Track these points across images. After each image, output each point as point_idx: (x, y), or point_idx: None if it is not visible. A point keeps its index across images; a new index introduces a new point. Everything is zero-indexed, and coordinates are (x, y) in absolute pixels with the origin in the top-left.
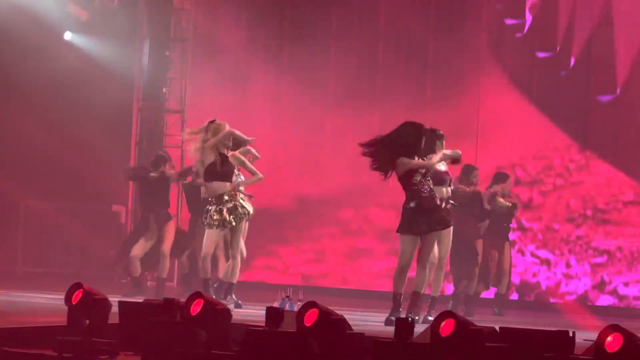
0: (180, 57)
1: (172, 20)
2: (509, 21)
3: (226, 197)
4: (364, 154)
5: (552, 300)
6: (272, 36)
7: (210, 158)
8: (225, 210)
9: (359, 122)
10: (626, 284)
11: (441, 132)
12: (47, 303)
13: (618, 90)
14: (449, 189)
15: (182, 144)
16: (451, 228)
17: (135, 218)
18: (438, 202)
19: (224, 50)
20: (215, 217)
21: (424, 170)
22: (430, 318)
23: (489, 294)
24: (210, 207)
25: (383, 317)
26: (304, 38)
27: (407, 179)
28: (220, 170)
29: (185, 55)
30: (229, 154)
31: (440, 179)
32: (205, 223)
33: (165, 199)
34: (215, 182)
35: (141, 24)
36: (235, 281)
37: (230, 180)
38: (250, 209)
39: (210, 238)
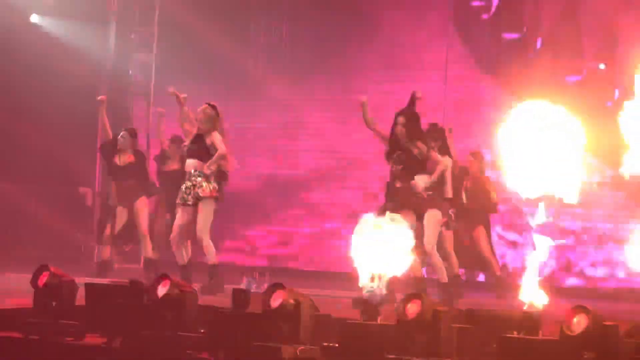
0: (147, 40)
1: (138, 3)
2: (475, 2)
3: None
4: None
5: (519, 281)
6: (238, 17)
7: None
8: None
9: (325, 101)
10: (593, 265)
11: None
12: (13, 285)
13: (584, 71)
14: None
15: (147, 128)
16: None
17: (103, 199)
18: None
19: (190, 33)
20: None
21: None
22: None
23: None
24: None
25: (350, 298)
26: (271, 17)
27: None
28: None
29: (151, 38)
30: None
31: None
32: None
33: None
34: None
35: (108, 7)
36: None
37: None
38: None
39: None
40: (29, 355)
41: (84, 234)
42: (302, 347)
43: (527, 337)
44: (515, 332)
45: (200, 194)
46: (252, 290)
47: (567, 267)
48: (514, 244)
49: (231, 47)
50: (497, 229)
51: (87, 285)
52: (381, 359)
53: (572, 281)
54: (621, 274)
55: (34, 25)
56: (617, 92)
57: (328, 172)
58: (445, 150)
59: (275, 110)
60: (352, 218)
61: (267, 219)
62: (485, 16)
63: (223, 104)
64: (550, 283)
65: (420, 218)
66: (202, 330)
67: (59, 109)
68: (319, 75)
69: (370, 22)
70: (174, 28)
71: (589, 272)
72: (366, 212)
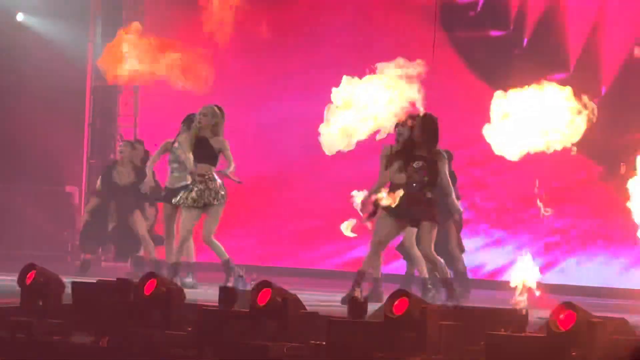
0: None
1: (124, 1)
2: (460, 0)
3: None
4: None
5: (504, 278)
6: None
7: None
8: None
9: (309, 97)
10: (579, 263)
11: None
12: (0, 284)
13: (571, 69)
14: None
15: (135, 125)
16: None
17: (88, 198)
18: None
19: (177, 29)
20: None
21: None
22: None
23: None
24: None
25: (337, 296)
26: (257, 16)
27: None
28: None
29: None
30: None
31: None
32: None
33: None
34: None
35: (93, 4)
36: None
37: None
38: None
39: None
40: (16, 354)
41: (70, 233)
42: (290, 345)
43: (515, 334)
44: (502, 329)
45: (214, 200)
46: (239, 289)
47: (554, 264)
48: (499, 242)
49: (216, 44)
50: (483, 226)
51: (74, 283)
52: (369, 357)
53: (559, 278)
54: (608, 272)
55: (20, 24)
56: (603, 90)
57: (314, 169)
58: None
59: (259, 108)
60: (338, 216)
61: (253, 217)
62: (471, 13)
63: (209, 100)
64: (538, 280)
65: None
66: (189, 329)
67: (45, 107)
68: (302, 72)
69: (354, 19)
70: (160, 24)
71: (576, 268)
72: (351, 209)
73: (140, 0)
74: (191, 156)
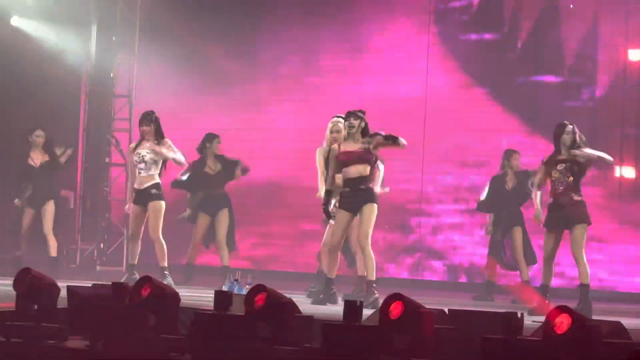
0: (128, 42)
1: (119, 5)
2: (455, 3)
3: None
4: None
5: (501, 282)
6: (219, 20)
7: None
8: None
9: (306, 104)
10: (574, 266)
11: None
12: None
13: (565, 72)
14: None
15: (130, 129)
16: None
17: (85, 203)
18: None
19: (171, 35)
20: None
21: None
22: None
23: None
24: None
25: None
26: (251, 21)
27: None
28: None
29: (132, 40)
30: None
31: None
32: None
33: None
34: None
35: (88, 9)
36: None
37: None
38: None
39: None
40: (12, 358)
41: (66, 237)
42: (284, 349)
43: (510, 338)
44: (498, 333)
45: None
46: (234, 292)
47: None
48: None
49: (212, 48)
50: (478, 230)
51: (69, 288)
52: None
53: (554, 282)
54: (603, 274)
55: (15, 27)
56: (597, 93)
57: (308, 172)
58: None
59: (254, 110)
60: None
61: (248, 221)
62: (465, 17)
63: (203, 105)
64: (533, 284)
65: None
66: (184, 333)
67: (40, 111)
68: (297, 76)
69: (349, 24)
70: (155, 30)
71: (571, 272)
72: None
73: (134, 6)
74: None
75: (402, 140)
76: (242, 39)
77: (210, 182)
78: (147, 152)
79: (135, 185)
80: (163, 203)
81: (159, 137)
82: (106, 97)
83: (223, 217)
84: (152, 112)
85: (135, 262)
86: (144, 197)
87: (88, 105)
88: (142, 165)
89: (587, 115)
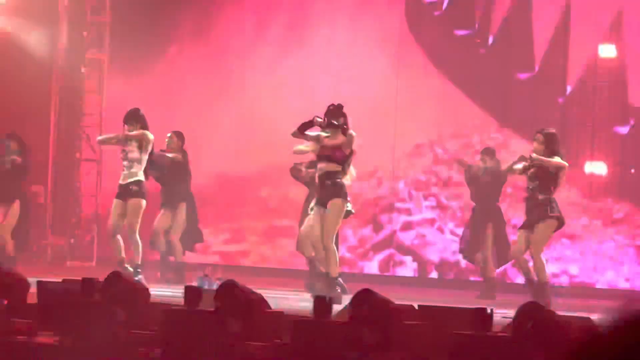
0: (99, 38)
1: (89, 1)
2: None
3: None
4: None
5: (471, 278)
6: (190, 13)
7: None
8: None
9: (277, 99)
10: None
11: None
12: None
13: (536, 68)
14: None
15: (100, 124)
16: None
17: (55, 198)
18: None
19: (142, 30)
20: None
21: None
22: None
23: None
24: None
25: (303, 295)
26: (223, 13)
27: None
28: None
29: (103, 35)
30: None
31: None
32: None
33: None
34: None
35: (59, 4)
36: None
37: None
38: None
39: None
40: None
41: (36, 233)
42: (254, 345)
43: (479, 333)
44: (467, 329)
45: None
46: (204, 288)
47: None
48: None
49: (184, 41)
50: (449, 225)
51: (39, 283)
52: (333, 356)
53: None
54: (574, 270)
55: None
56: (569, 89)
57: (280, 168)
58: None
59: (227, 106)
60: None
61: (218, 216)
62: (437, 12)
63: (175, 100)
64: (503, 279)
65: None
66: (154, 328)
67: (11, 107)
68: (272, 70)
69: (321, 18)
70: (125, 24)
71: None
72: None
73: (104, 1)
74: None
75: (311, 134)
76: (215, 31)
77: (169, 177)
78: (131, 150)
79: (120, 180)
80: (143, 201)
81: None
82: (77, 93)
83: (180, 213)
84: (135, 110)
85: (124, 256)
86: (124, 192)
87: (59, 101)
88: (125, 163)
89: (558, 111)
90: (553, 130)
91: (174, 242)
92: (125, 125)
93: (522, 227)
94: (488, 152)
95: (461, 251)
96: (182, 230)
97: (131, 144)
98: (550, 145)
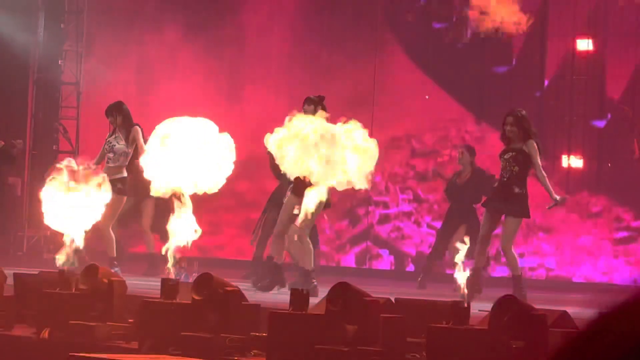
0: (76, 29)
1: None
2: None
3: None
4: None
5: (448, 271)
6: (169, 4)
7: None
8: None
9: (255, 92)
10: (521, 255)
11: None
12: None
13: (514, 61)
14: None
15: (77, 116)
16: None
17: (32, 190)
18: None
19: (119, 22)
20: None
21: None
22: None
23: None
24: None
25: (279, 289)
26: (203, 5)
27: None
28: None
29: (80, 27)
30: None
31: None
32: None
33: None
34: None
35: None
36: None
37: None
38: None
39: None
40: None
41: (13, 224)
42: (231, 337)
43: (456, 326)
44: (444, 322)
45: None
46: (180, 280)
47: (496, 257)
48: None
49: (162, 34)
50: (426, 219)
51: (15, 275)
52: (310, 349)
53: (501, 271)
54: (550, 264)
55: None
56: (546, 82)
57: (257, 161)
58: None
59: (203, 97)
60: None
61: (195, 209)
62: (415, 5)
63: (153, 93)
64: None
65: None
66: (130, 320)
67: None
68: (250, 63)
69: (299, 9)
70: (103, 17)
71: (519, 261)
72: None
73: None
74: None
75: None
76: (193, 22)
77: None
78: (117, 142)
79: (104, 171)
80: (124, 199)
81: (127, 126)
82: (54, 85)
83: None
84: (118, 103)
85: (114, 254)
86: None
87: (36, 93)
88: (110, 155)
89: (535, 105)
90: (523, 112)
91: (146, 232)
92: (108, 118)
93: (489, 210)
94: (469, 148)
95: (427, 258)
96: (154, 221)
97: (120, 138)
98: (523, 125)
